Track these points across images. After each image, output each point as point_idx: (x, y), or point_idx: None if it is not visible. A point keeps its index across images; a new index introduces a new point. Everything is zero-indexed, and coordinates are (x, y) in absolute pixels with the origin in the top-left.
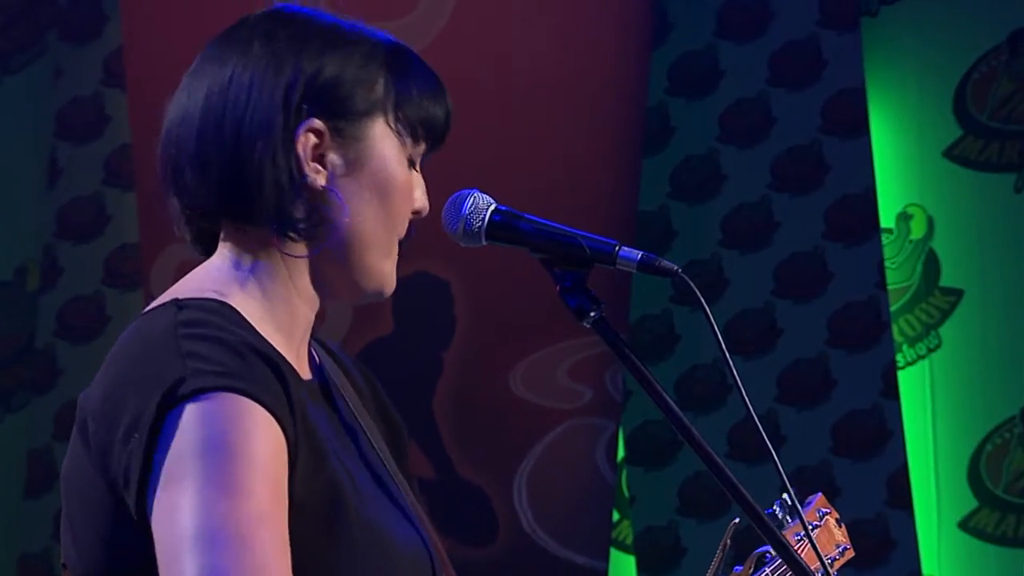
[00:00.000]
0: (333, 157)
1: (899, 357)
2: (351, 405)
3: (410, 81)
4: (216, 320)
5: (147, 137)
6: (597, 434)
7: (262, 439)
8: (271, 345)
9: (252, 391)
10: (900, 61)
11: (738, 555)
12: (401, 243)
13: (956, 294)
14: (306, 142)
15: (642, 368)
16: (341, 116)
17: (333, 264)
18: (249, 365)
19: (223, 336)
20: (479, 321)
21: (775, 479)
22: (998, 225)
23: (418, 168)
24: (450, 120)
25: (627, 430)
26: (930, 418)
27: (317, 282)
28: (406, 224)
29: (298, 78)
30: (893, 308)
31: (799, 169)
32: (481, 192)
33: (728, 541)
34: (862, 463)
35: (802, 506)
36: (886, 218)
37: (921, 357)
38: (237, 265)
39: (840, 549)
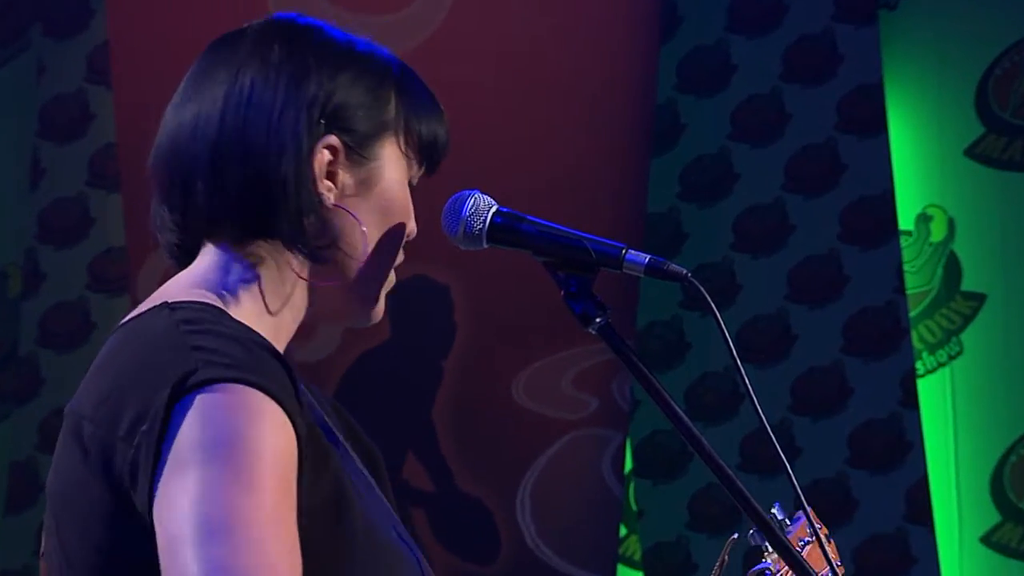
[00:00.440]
0: (344, 176)
1: (919, 365)
2: (328, 419)
3: (418, 102)
4: (215, 318)
5: (133, 136)
6: (603, 445)
7: (273, 434)
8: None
9: (264, 384)
10: (919, 56)
11: (742, 569)
12: (395, 268)
13: (978, 299)
14: (321, 159)
15: (650, 376)
16: (355, 134)
17: (328, 287)
18: (259, 359)
19: (228, 331)
20: (480, 327)
21: (789, 492)
22: (1022, 226)
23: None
24: (449, 143)
25: (635, 441)
26: (951, 428)
27: (309, 301)
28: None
29: (319, 93)
30: (912, 314)
31: (814, 169)
32: (482, 193)
33: (726, 558)
34: (880, 476)
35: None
36: (905, 220)
37: (942, 365)
38: (226, 272)
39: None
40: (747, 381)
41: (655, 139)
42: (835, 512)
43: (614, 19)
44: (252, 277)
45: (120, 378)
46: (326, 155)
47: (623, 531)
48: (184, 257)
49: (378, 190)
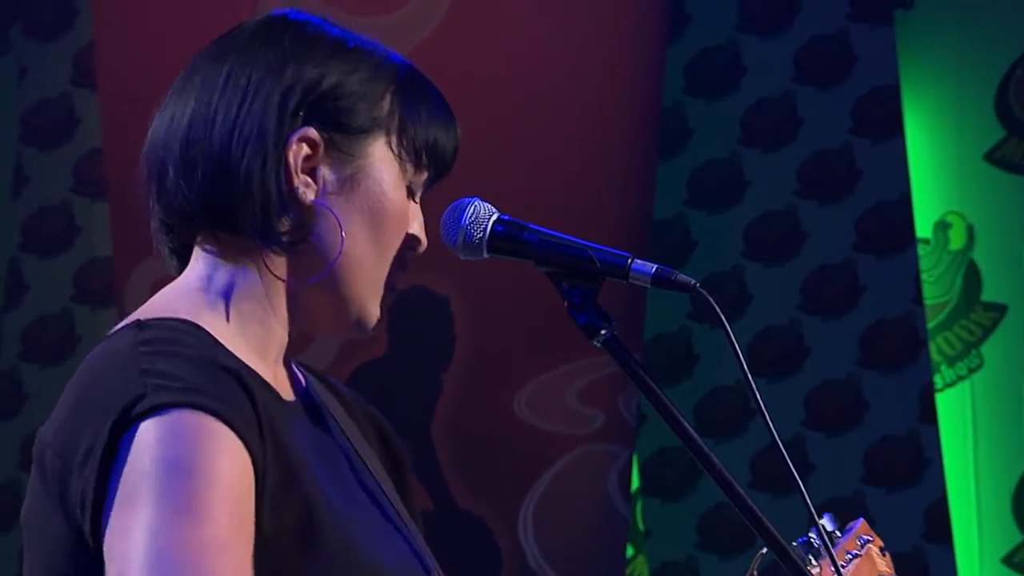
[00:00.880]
0: (326, 172)
1: (937, 378)
2: (343, 428)
3: (419, 104)
4: (180, 338)
5: (120, 141)
6: (609, 462)
7: (224, 459)
8: (242, 362)
9: (216, 408)
10: (937, 56)
11: None
12: (392, 279)
13: (999, 309)
14: (298, 151)
15: (657, 390)
16: (339, 129)
17: (314, 289)
18: (214, 381)
19: (186, 352)
20: (480, 340)
21: (802, 511)
22: None
23: (417, 199)
24: (457, 152)
25: (642, 458)
26: (971, 444)
27: (295, 307)
28: (396, 256)
29: (298, 82)
30: (930, 325)
31: (828, 174)
32: (482, 200)
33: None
34: (897, 493)
35: (843, 532)
36: (922, 227)
37: (961, 378)
38: (209, 281)
39: None
40: (758, 395)
41: (662, 144)
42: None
43: (619, 18)
44: (233, 286)
45: (78, 403)
46: (303, 148)
47: (630, 552)
48: (179, 264)
49: (363, 189)
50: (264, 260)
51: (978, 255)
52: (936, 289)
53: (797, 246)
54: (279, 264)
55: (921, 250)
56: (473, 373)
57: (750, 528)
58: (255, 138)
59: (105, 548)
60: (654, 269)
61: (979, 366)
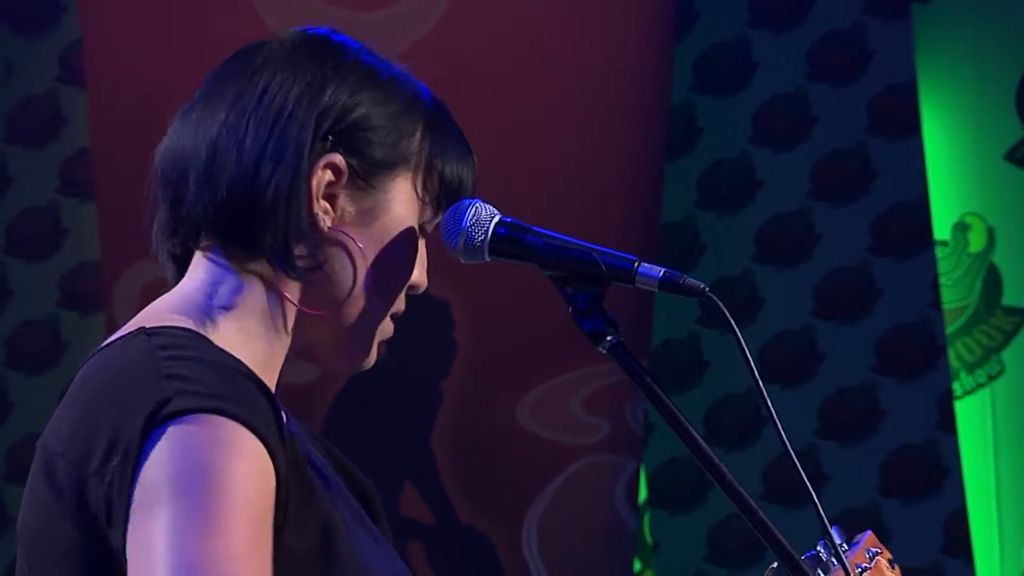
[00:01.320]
0: (345, 201)
1: (956, 385)
2: (319, 457)
3: (447, 143)
4: (194, 344)
5: (108, 141)
6: (616, 473)
7: (248, 469)
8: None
9: (243, 415)
10: (956, 52)
11: None
12: (393, 319)
13: (1020, 314)
14: (322, 177)
15: (665, 399)
16: (365, 160)
17: (319, 319)
18: (237, 387)
19: (206, 357)
20: (482, 346)
21: (816, 523)
22: None
23: (426, 240)
24: (475, 190)
25: (649, 468)
26: (991, 454)
27: (296, 330)
28: (401, 298)
29: (332, 106)
30: (949, 330)
31: (842, 174)
32: (483, 202)
33: None
34: (915, 505)
35: (850, 546)
36: (941, 229)
37: (981, 385)
38: (212, 292)
39: None
40: (770, 403)
41: (670, 143)
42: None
43: (625, 13)
44: (238, 299)
45: (91, 409)
46: (327, 174)
47: (637, 565)
48: (177, 268)
49: (380, 225)
50: (273, 280)
51: (998, 258)
52: (955, 293)
53: (810, 249)
54: (289, 286)
55: (939, 253)
56: (474, 381)
57: (761, 541)
58: (288, 159)
59: (127, 553)
60: (662, 273)
61: (1000, 373)
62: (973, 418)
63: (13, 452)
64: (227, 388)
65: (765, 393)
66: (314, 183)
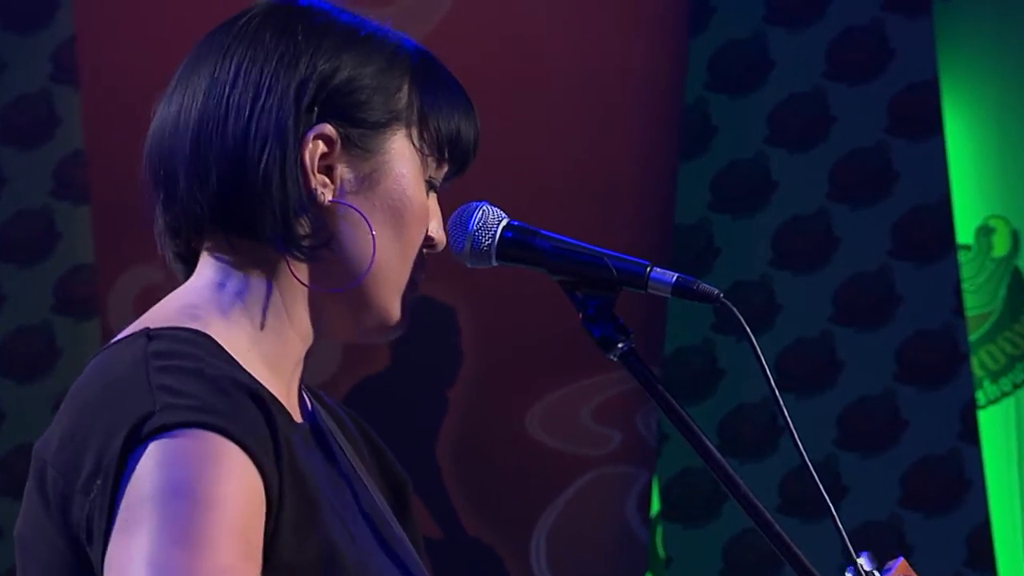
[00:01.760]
0: (343, 170)
1: (979, 395)
2: (346, 452)
3: (439, 93)
4: (193, 351)
5: (103, 141)
6: (627, 485)
7: (235, 485)
8: (257, 380)
9: (230, 430)
10: (979, 50)
11: None
12: (414, 278)
13: None
14: (314, 150)
15: (678, 408)
16: (357, 124)
17: (338, 298)
18: (230, 400)
19: (201, 368)
20: (489, 354)
21: (835, 537)
22: None
23: (436, 194)
24: (479, 142)
25: (662, 480)
26: (1016, 465)
27: (315, 315)
28: (416, 255)
29: (311, 76)
30: (972, 338)
31: (862, 176)
32: (491, 205)
33: None
34: (937, 518)
35: (882, 573)
36: (964, 233)
37: (1005, 394)
38: (220, 288)
39: None
40: (787, 413)
41: (684, 143)
42: (886, 559)
43: (637, 9)
44: (248, 292)
45: (82, 418)
46: (320, 146)
47: None
48: (185, 268)
49: (383, 188)
50: (282, 267)
51: None
52: (978, 299)
53: (829, 253)
54: (299, 271)
55: (962, 257)
56: (481, 390)
57: (778, 556)
58: (272, 137)
59: (104, 570)
60: (675, 278)
61: None
62: (997, 428)
63: (5, 463)
64: (216, 400)
65: (782, 402)
66: (307, 157)
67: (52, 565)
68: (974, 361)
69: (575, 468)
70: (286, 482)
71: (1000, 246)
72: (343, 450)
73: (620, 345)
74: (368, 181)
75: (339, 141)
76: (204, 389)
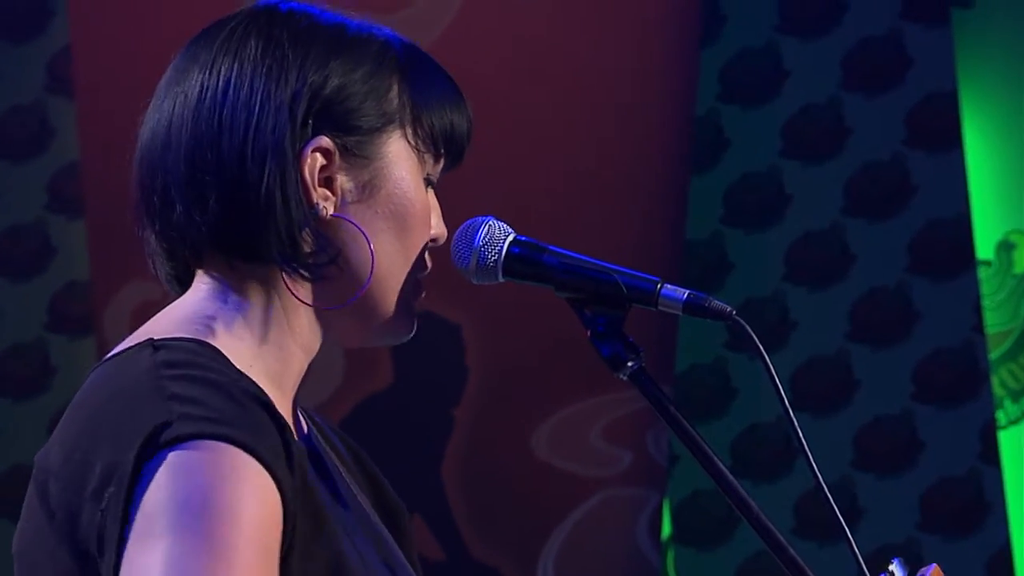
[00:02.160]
0: (343, 180)
1: (1000, 415)
2: (343, 475)
3: (428, 87)
4: (203, 361)
5: (99, 154)
6: (638, 507)
7: (253, 498)
8: (265, 392)
9: (248, 442)
10: (999, 60)
11: None
12: (419, 278)
13: None
14: (312, 164)
15: (690, 428)
16: (352, 132)
17: (344, 311)
18: (245, 411)
19: (215, 378)
20: (496, 372)
21: (851, 562)
22: None
23: (434, 189)
24: (472, 132)
25: (673, 502)
26: None
27: (319, 327)
28: (420, 255)
29: (302, 89)
30: (992, 356)
31: (879, 189)
32: (497, 219)
33: None
34: (956, 542)
35: None
36: (984, 248)
37: None
38: (223, 301)
39: None
40: (801, 433)
41: (695, 156)
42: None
43: (648, 18)
44: (250, 307)
45: (89, 429)
46: (318, 159)
47: None
48: (181, 288)
49: (385, 193)
50: (285, 284)
51: None
52: (999, 316)
53: (844, 269)
54: (302, 288)
55: (982, 273)
56: (487, 409)
57: None
58: (271, 156)
59: None
60: (686, 295)
61: None
62: (1018, 449)
63: (1, 482)
64: (234, 412)
65: (796, 422)
66: (306, 172)
67: None
68: (994, 380)
69: (584, 490)
70: (299, 495)
71: (1021, 262)
72: (337, 468)
73: (630, 364)
74: (369, 188)
75: (336, 152)
76: (219, 400)
